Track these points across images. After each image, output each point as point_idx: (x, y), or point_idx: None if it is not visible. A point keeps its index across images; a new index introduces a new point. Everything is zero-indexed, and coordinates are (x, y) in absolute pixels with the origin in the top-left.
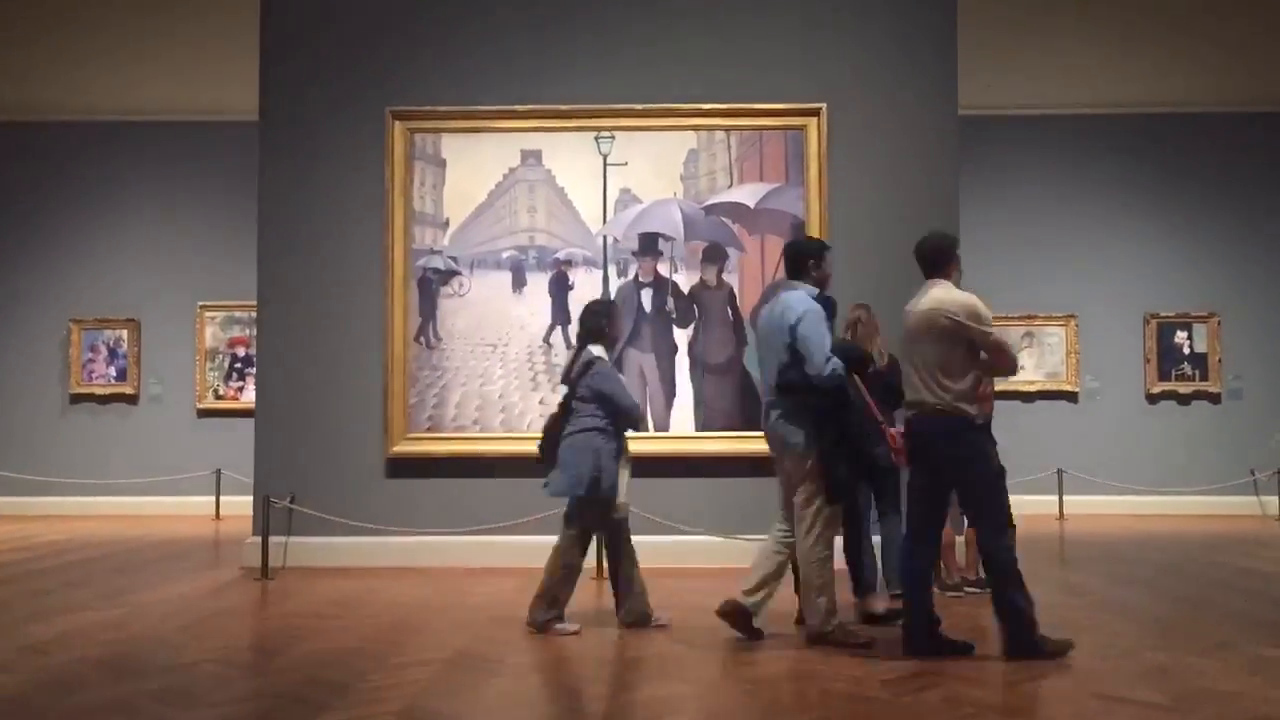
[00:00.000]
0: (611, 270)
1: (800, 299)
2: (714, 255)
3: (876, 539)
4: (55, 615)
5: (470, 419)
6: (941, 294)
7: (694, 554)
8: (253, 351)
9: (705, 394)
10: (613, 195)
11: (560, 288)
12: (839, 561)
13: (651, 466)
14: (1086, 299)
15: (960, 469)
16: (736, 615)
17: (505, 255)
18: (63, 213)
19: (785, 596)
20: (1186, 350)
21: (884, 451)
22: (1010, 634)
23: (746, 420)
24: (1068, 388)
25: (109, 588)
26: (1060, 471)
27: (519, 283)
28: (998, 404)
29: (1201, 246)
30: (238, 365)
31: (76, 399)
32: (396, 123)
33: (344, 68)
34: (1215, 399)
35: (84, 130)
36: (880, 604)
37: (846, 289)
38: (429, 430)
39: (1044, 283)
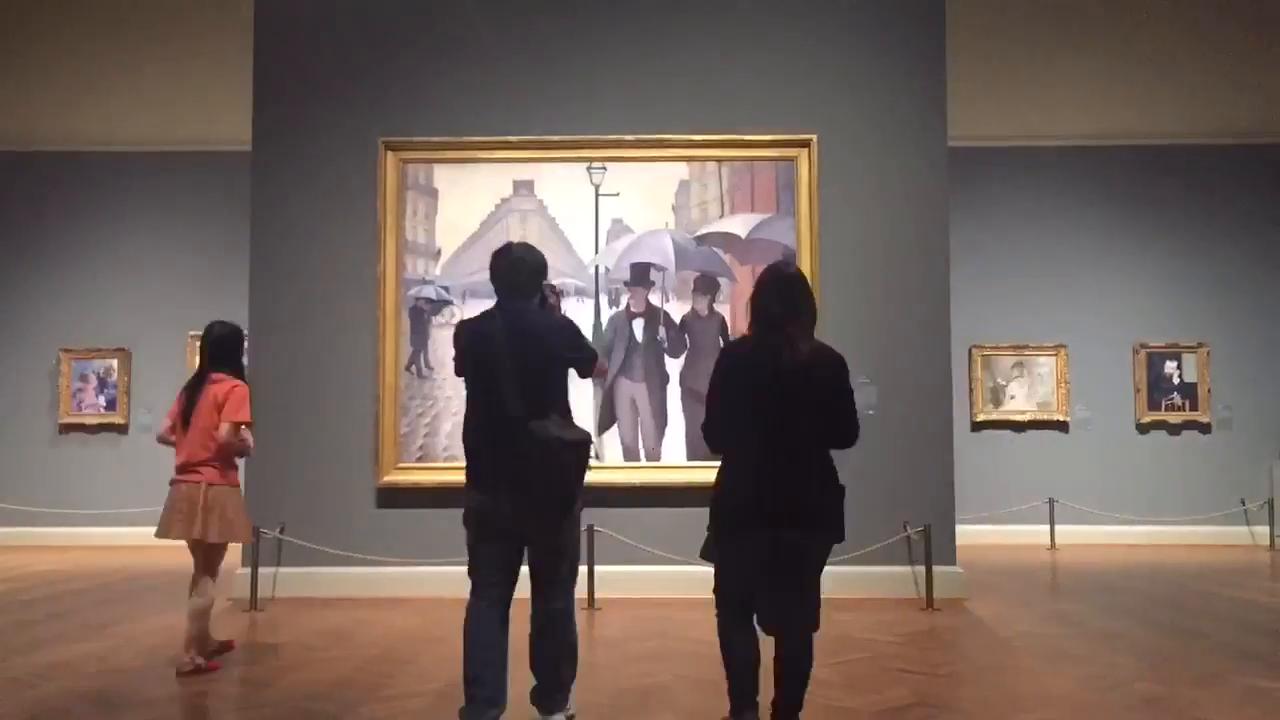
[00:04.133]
0: (603, 300)
1: None
2: (706, 285)
3: None
4: (42, 647)
5: (461, 449)
6: None
7: (684, 584)
8: None
9: (697, 424)
10: (604, 225)
11: None
12: None
13: (642, 496)
14: (1076, 329)
15: None
16: None
17: None
18: (52, 242)
19: None
20: (1176, 380)
21: None
22: None
23: None
24: (1058, 417)
25: (97, 619)
26: (1051, 501)
27: None
28: (990, 433)
29: (1191, 277)
30: None
31: (66, 429)
32: (389, 153)
33: (336, 98)
34: (1205, 429)
35: (74, 160)
36: None
37: (836, 318)
38: (420, 460)
39: (1034, 313)
